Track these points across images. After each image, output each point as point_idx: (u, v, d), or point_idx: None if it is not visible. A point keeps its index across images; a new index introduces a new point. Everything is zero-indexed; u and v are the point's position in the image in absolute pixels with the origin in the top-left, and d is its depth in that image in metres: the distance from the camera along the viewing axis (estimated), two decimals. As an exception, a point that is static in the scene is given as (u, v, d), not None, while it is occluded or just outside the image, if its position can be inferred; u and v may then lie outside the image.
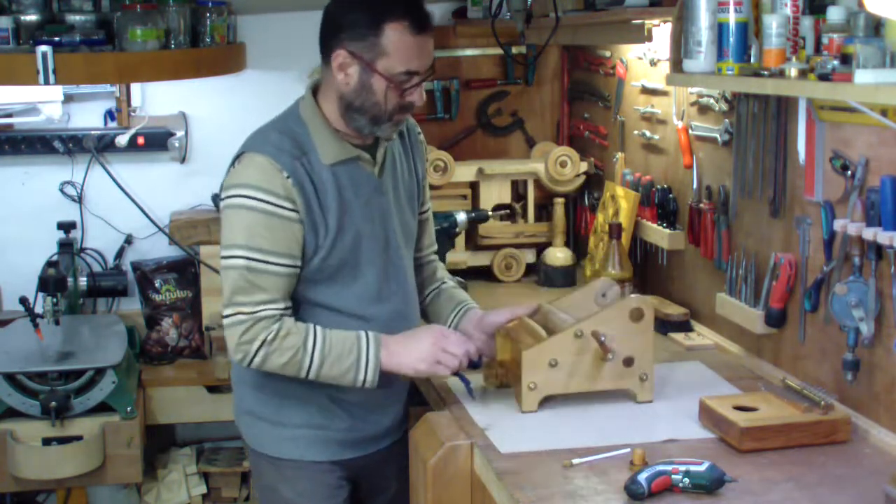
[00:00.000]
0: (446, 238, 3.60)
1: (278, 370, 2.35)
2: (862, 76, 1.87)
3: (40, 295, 3.57)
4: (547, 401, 2.51)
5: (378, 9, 2.29)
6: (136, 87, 3.92)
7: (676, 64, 2.46)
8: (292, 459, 2.49)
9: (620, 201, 3.36)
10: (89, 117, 3.93)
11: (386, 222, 2.46)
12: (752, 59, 2.29)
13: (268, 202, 2.30)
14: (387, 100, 2.32)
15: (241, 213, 2.31)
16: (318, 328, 2.35)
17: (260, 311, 2.30)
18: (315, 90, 2.43)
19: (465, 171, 3.77)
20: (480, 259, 3.77)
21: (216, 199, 3.83)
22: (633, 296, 2.56)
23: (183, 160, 3.96)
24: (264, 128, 2.43)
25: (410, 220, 2.56)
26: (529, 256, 3.77)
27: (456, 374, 2.44)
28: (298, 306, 2.41)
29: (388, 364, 2.37)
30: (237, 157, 2.37)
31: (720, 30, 2.30)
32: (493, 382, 2.58)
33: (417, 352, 2.38)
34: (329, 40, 2.35)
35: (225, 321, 2.34)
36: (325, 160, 2.36)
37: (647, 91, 3.34)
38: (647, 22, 2.87)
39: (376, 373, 2.36)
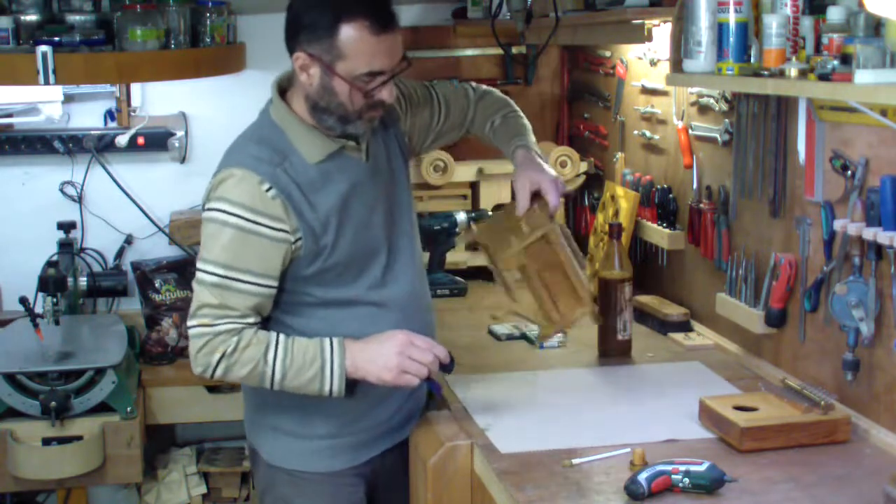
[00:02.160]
0: (446, 238, 3.60)
1: (242, 381, 2.32)
2: (862, 76, 1.87)
3: (40, 295, 3.57)
4: (547, 401, 2.52)
5: (334, 8, 2.19)
6: (136, 87, 3.91)
7: (676, 64, 2.46)
8: (316, 472, 2.43)
9: (620, 201, 3.36)
10: (89, 117, 3.93)
11: (384, 205, 2.42)
12: (752, 59, 2.29)
13: (246, 219, 2.23)
14: (352, 101, 2.25)
15: (217, 229, 2.25)
16: (282, 338, 2.28)
17: (220, 324, 2.24)
18: (282, 90, 2.37)
19: (465, 171, 3.77)
20: (480, 259, 3.76)
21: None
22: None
23: (183, 160, 3.96)
24: (239, 141, 2.36)
25: (406, 194, 2.51)
26: (529, 256, 3.77)
27: (427, 379, 2.34)
28: (312, 307, 2.36)
29: (353, 373, 2.29)
30: (217, 173, 2.30)
31: (720, 30, 2.30)
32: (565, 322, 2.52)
33: (382, 360, 2.28)
34: (290, 40, 2.28)
35: (189, 332, 2.29)
36: (310, 160, 2.29)
37: (647, 91, 3.34)
38: (647, 22, 2.87)
39: (342, 382, 2.29)
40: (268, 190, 2.24)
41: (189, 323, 2.29)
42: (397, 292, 2.42)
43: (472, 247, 3.72)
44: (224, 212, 2.25)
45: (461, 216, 3.58)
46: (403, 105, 2.57)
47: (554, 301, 2.50)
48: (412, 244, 2.51)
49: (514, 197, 2.52)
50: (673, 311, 3.09)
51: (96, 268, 3.93)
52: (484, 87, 2.75)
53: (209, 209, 2.28)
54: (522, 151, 2.56)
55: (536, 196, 2.48)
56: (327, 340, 2.30)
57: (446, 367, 2.37)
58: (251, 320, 2.28)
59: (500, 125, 2.66)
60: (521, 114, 2.71)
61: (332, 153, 2.32)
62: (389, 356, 2.29)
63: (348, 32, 2.19)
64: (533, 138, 2.64)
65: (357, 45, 2.20)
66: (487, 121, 2.68)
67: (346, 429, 2.42)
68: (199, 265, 2.28)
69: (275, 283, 2.29)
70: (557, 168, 3.77)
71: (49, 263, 3.67)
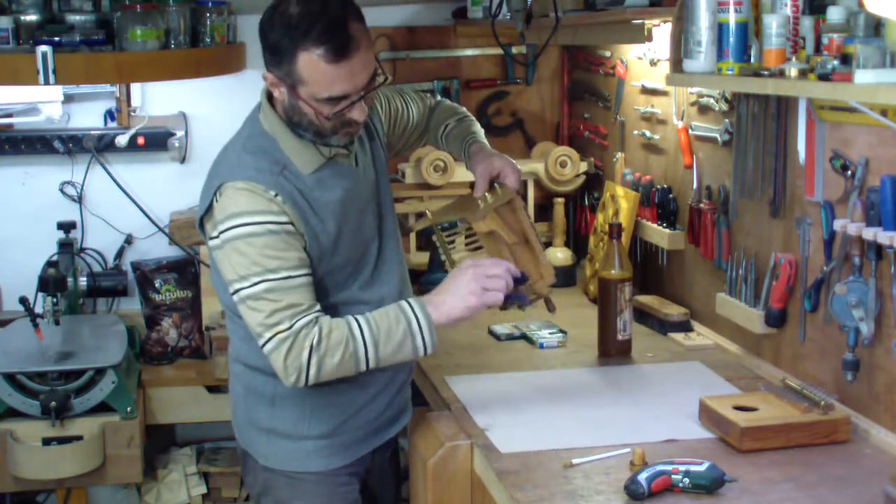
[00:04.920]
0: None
1: (335, 372, 2.25)
2: (862, 76, 1.87)
3: (40, 295, 3.57)
4: (547, 401, 2.51)
5: (292, 35, 2.17)
6: (136, 87, 3.91)
7: (676, 64, 2.46)
8: (314, 473, 2.43)
9: (620, 201, 3.36)
10: (89, 117, 3.93)
11: (373, 206, 2.44)
12: (752, 59, 2.29)
13: (263, 222, 2.21)
14: (319, 121, 2.25)
15: (239, 244, 2.21)
16: (356, 315, 2.28)
17: (296, 321, 2.21)
18: (270, 96, 2.35)
19: (465, 172, 3.73)
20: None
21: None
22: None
23: (183, 160, 3.96)
24: (233, 151, 2.34)
25: (389, 195, 2.52)
26: (529, 256, 3.77)
27: (507, 301, 2.34)
28: None
29: (438, 317, 2.28)
30: (217, 189, 2.26)
31: (720, 30, 2.30)
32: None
33: (461, 290, 2.29)
34: (263, 57, 2.28)
35: (266, 348, 2.22)
36: (304, 171, 2.29)
37: (647, 91, 3.34)
38: (647, 22, 2.87)
39: (433, 333, 2.28)
40: (276, 196, 2.24)
41: (265, 337, 2.22)
42: (387, 290, 2.44)
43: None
44: (246, 224, 2.22)
45: (461, 216, 3.57)
46: (386, 110, 2.60)
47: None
48: (397, 243, 2.53)
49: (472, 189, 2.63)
50: (673, 311, 3.09)
51: (96, 268, 3.93)
52: (439, 97, 2.82)
53: (227, 229, 2.23)
54: (477, 146, 2.64)
55: (493, 182, 2.57)
56: (402, 301, 2.30)
57: (519, 279, 2.36)
58: (318, 308, 2.26)
59: (454, 127, 2.71)
60: (474, 119, 2.76)
61: (323, 163, 2.33)
62: (467, 283, 2.29)
63: (305, 60, 2.18)
64: (485, 140, 2.69)
65: (314, 73, 2.19)
66: (442, 125, 2.73)
67: (340, 428, 2.43)
68: (238, 286, 2.23)
69: (310, 269, 2.28)
70: (557, 168, 3.77)
71: (49, 263, 3.67)
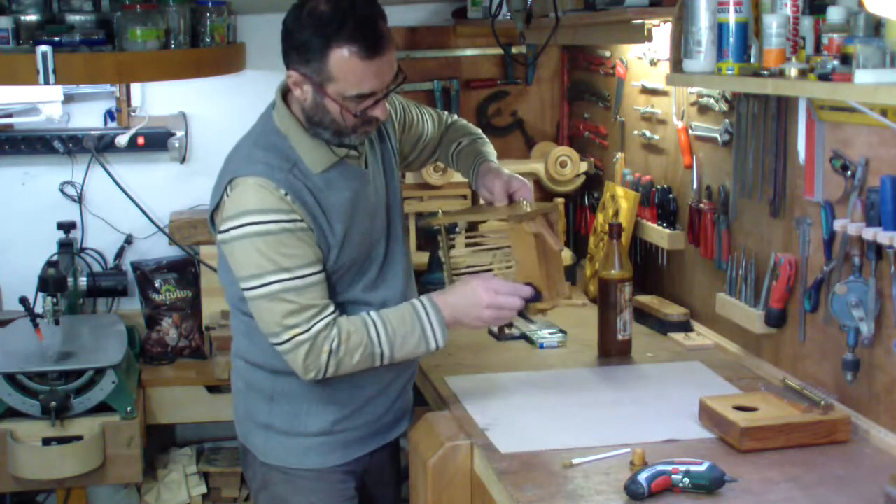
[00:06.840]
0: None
1: (352, 370, 2.31)
2: (862, 76, 1.87)
3: (40, 295, 3.57)
4: (547, 401, 2.51)
5: (323, 33, 2.19)
6: (136, 87, 3.91)
7: (676, 64, 2.46)
8: (310, 469, 2.45)
9: (620, 201, 3.36)
10: (89, 117, 3.93)
11: (382, 209, 2.45)
12: (752, 59, 2.29)
13: (278, 221, 2.23)
14: (344, 118, 2.27)
15: (254, 241, 2.23)
16: (374, 315, 2.32)
17: (314, 324, 2.24)
18: (285, 95, 2.37)
19: (465, 172, 3.77)
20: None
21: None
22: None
23: (183, 160, 3.96)
24: (245, 146, 2.36)
25: (398, 200, 2.54)
26: (529, 256, 3.77)
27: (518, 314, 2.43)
28: None
29: (451, 324, 2.36)
30: (227, 183, 2.28)
31: (720, 30, 2.30)
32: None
33: (475, 310, 2.36)
34: (284, 56, 2.29)
35: (282, 348, 2.26)
36: (314, 169, 2.31)
37: (647, 91, 3.34)
38: (647, 22, 2.87)
39: (445, 334, 2.35)
40: (286, 195, 2.26)
41: (282, 338, 2.25)
42: (390, 293, 2.45)
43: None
44: (258, 223, 2.23)
45: (461, 216, 3.57)
46: (400, 116, 2.62)
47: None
48: (404, 248, 2.55)
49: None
50: (673, 311, 3.09)
51: (96, 268, 3.93)
52: (455, 115, 2.84)
53: (236, 227, 2.24)
54: (487, 164, 2.65)
55: (510, 197, 2.59)
56: (417, 303, 2.36)
57: (533, 298, 2.43)
58: (332, 307, 2.29)
59: (467, 146, 2.73)
60: (488, 140, 2.77)
61: (334, 163, 2.35)
62: (479, 295, 2.36)
63: (337, 57, 2.20)
64: (497, 161, 2.70)
65: (346, 70, 2.21)
66: (454, 142, 2.75)
67: (338, 426, 2.44)
68: (252, 283, 2.24)
69: (324, 264, 2.31)
70: (557, 168, 3.77)
71: (49, 263, 3.67)
